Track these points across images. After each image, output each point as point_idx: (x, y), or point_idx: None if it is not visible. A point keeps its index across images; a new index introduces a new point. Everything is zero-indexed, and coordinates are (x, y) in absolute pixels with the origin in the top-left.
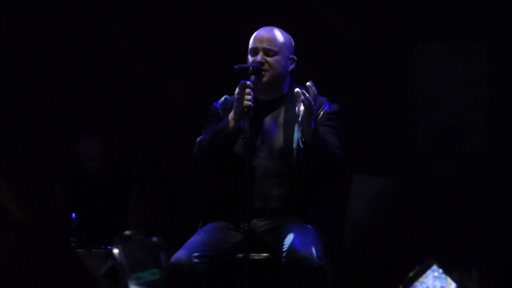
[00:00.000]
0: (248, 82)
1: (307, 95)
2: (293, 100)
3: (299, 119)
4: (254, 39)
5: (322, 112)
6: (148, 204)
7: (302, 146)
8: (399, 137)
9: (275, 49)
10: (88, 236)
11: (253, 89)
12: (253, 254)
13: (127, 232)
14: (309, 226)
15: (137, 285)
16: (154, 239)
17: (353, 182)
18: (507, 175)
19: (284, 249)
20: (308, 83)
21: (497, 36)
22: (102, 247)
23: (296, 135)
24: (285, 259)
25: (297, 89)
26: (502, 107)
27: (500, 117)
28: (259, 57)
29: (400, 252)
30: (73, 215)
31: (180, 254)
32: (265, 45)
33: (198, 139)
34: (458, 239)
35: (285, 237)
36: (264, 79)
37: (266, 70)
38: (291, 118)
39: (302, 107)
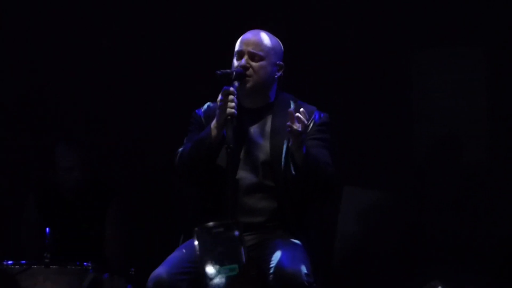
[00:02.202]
0: (232, 89)
1: (294, 127)
2: (281, 108)
3: (289, 144)
4: (240, 42)
5: (312, 124)
6: (126, 218)
7: (294, 172)
8: (394, 147)
9: (261, 53)
10: (63, 251)
11: (236, 96)
12: None
13: (208, 224)
14: (297, 241)
15: (215, 280)
16: (236, 233)
17: (343, 194)
18: (508, 186)
19: (271, 266)
20: (297, 114)
21: (495, 42)
22: (78, 263)
23: (285, 146)
24: (272, 276)
25: (290, 110)
26: (501, 115)
27: (499, 125)
28: (243, 61)
29: (393, 270)
30: (47, 229)
31: (160, 271)
32: (250, 49)
33: (179, 149)
34: (455, 255)
35: (272, 253)
36: (248, 85)
37: (250, 76)
38: (278, 128)
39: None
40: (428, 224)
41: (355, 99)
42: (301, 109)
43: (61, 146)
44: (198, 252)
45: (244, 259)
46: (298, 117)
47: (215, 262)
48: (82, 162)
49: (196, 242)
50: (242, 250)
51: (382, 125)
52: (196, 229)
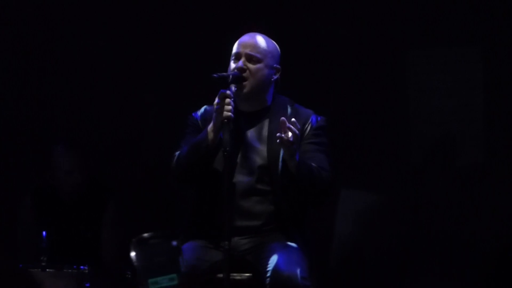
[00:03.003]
0: (228, 92)
1: (285, 137)
2: (278, 112)
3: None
4: (238, 44)
5: (309, 128)
6: (123, 221)
7: (288, 180)
8: (390, 149)
9: (259, 56)
10: (59, 255)
11: (233, 99)
12: (234, 274)
13: (145, 235)
14: (293, 244)
15: None
16: (174, 242)
17: (340, 197)
18: (505, 187)
19: (268, 269)
20: (289, 124)
21: (492, 42)
22: (74, 266)
23: (282, 150)
24: (269, 280)
25: (282, 119)
26: (498, 115)
27: (496, 126)
28: (240, 63)
29: (391, 272)
30: (44, 233)
31: None
32: (248, 51)
33: (176, 152)
34: (452, 256)
35: (268, 257)
36: (245, 88)
37: (247, 78)
38: (275, 132)
39: (290, 134)
40: (425, 226)
41: (351, 100)
42: (292, 119)
43: (60, 149)
44: (135, 264)
45: (182, 268)
46: (289, 127)
47: (153, 272)
48: (81, 164)
49: (133, 254)
50: (180, 259)
51: (378, 127)
52: (133, 240)
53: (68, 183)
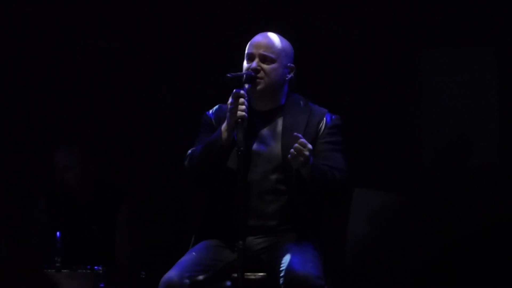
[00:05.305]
0: (242, 91)
1: (296, 158)
2: (292, 108)
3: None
4: (251, 44)
5: (323, 126)
6: (137, 221)
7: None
8: (404, 148)
9: (272, 56)
10: (74, 255)
11: (247, 99)
12: (248, 274)
13: None
14: (308, 243)
15: None
16: None
17: (354, 196)
18: None
19: (282, 268)
20: (297, 145)
21: (506, 42)
22: (88, 267)
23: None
24: (283, 279)
25: (295, 134)
26: None
27: (510, 126)
28: (254, 64)
29: (404, 272)
30: (58, 233)
31: (171, 274)
32: (261, 51)
33: (189, 151)
34: (466, 256)
35: (283, 256)
36: (259, 87)
37: (261, 78)
38: (289, 128)
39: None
40: (439, 226)
41: (365, 100)
42: (295, 133)
43: (59, 147)
44: None
45: None
46: (299, 145)
47: None
48: (80, 161)
49: None
50: None
51: (392, 127)
52: None
53: (69, 181)
